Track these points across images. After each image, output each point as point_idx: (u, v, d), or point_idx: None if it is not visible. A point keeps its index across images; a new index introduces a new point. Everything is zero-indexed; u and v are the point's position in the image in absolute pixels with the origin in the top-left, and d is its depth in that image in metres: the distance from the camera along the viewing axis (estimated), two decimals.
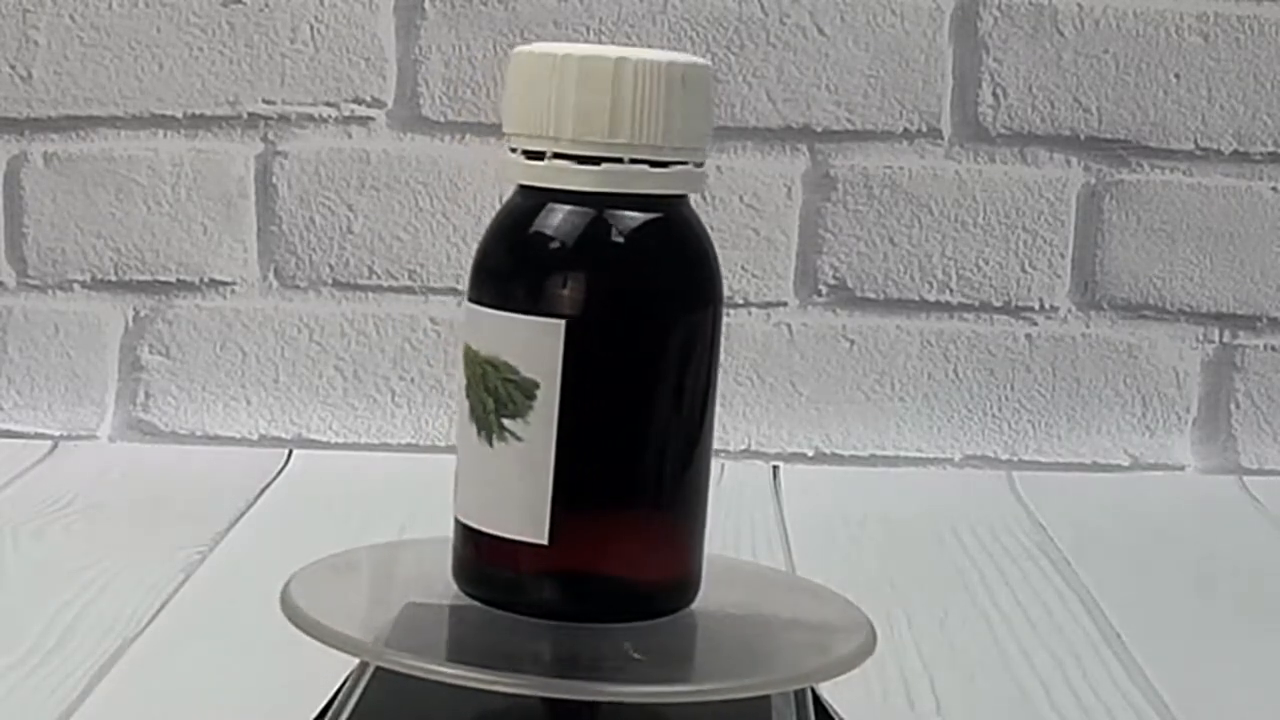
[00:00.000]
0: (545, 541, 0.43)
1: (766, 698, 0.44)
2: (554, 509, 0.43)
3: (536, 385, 0.43)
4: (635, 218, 0.43)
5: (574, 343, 0.43)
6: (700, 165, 0.44)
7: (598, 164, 0.43)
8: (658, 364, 0.43)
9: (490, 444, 0.44)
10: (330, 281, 0.91)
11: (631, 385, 0.43)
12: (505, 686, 0.40)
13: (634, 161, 0.43)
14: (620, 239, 0.43)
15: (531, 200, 0.44)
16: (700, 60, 0.44)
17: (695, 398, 0.44)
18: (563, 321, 0.42)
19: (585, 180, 0.43)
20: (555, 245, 0.43)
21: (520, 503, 0.43)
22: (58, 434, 0.91)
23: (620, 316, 0.43)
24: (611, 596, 0.44)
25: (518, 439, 0.43)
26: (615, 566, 0.44)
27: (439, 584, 0.46)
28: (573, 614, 0.43)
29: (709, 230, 0.45)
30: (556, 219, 0.43)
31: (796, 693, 0.45)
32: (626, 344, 0.43)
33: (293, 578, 0.46)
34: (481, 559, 0.45)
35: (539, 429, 0.43)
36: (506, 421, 0.43)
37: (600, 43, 0.88)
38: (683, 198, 0.44)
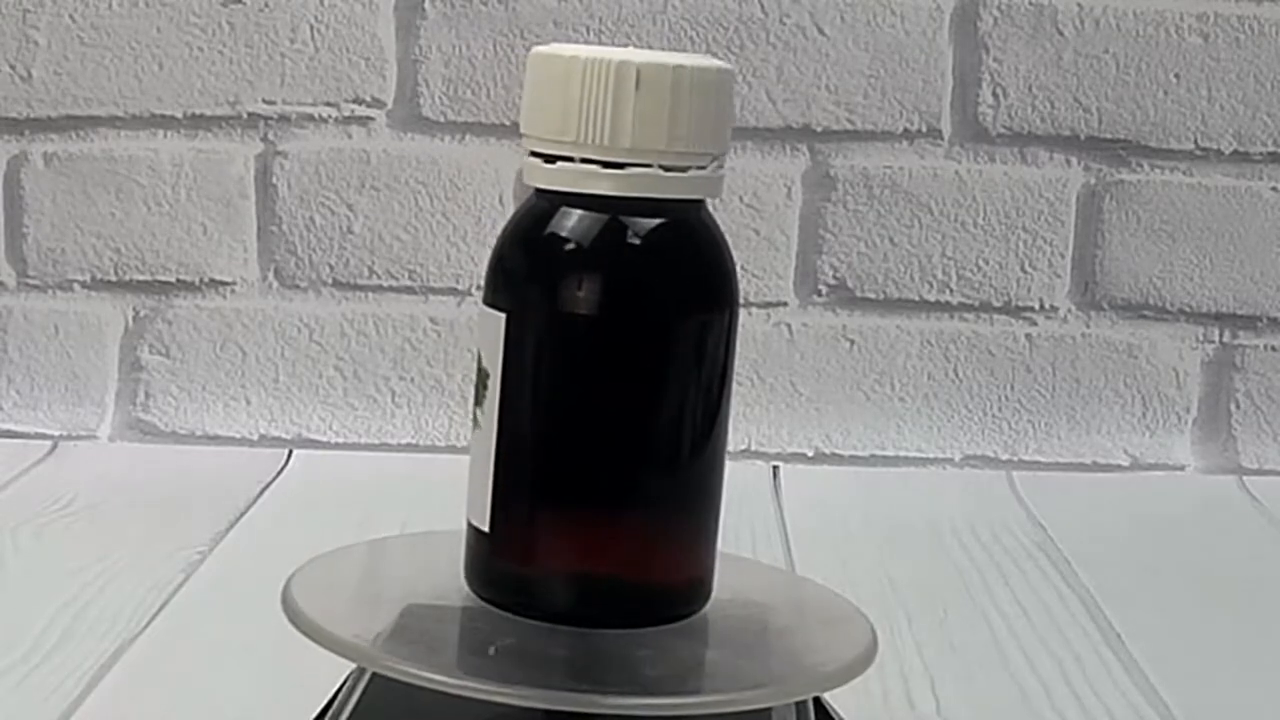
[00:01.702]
0: (486, 528, 0.44)
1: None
2: (494, 497, 0.43)
3: (489, 375, 0.43)
4: (598, 219, 0.43)
5: (512, 335, 0.43)
6: (686, 170, 0.43)
7: (553, 162, 0.43)
8: (594, 361, 0.43)
9: (473, 430, 0.44)
10: (330, 281, 0.91)
11: (570, 381, 0.43)
12: (498, 696, 0.39)
13: (585, 161, 0.42)
14: (577, 239, 0.43)
15: (531, 200, 0.44)
16: (700, 63, 0.43)
17: (667, 401, 0.43)
18: (504, 315, 0.43)
19: (547, 178, 0.43)
20: (508, 240, 0.44)
21: (476, 488, 0.44)
22: (58, 434, 0.91)
23: (548, 310, 0.43)
24: (593, 598, 0.43)
25: (479, 426, 0.44)
26: (574, 564, 0.43)
27: (443, 581, 0.46)
28: (551, 614, 0.43)
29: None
30: (534, 215, 0.43)
31: None
32: (559, 338, 0.43)
33: (295, 575, 0.46)
34: (470, 550, 0.45)
35: (490, 416, 0.43)
36: (477, 409, 0.44)
37: (600, 43, 0.88)
38: (694, 203, 0.44)
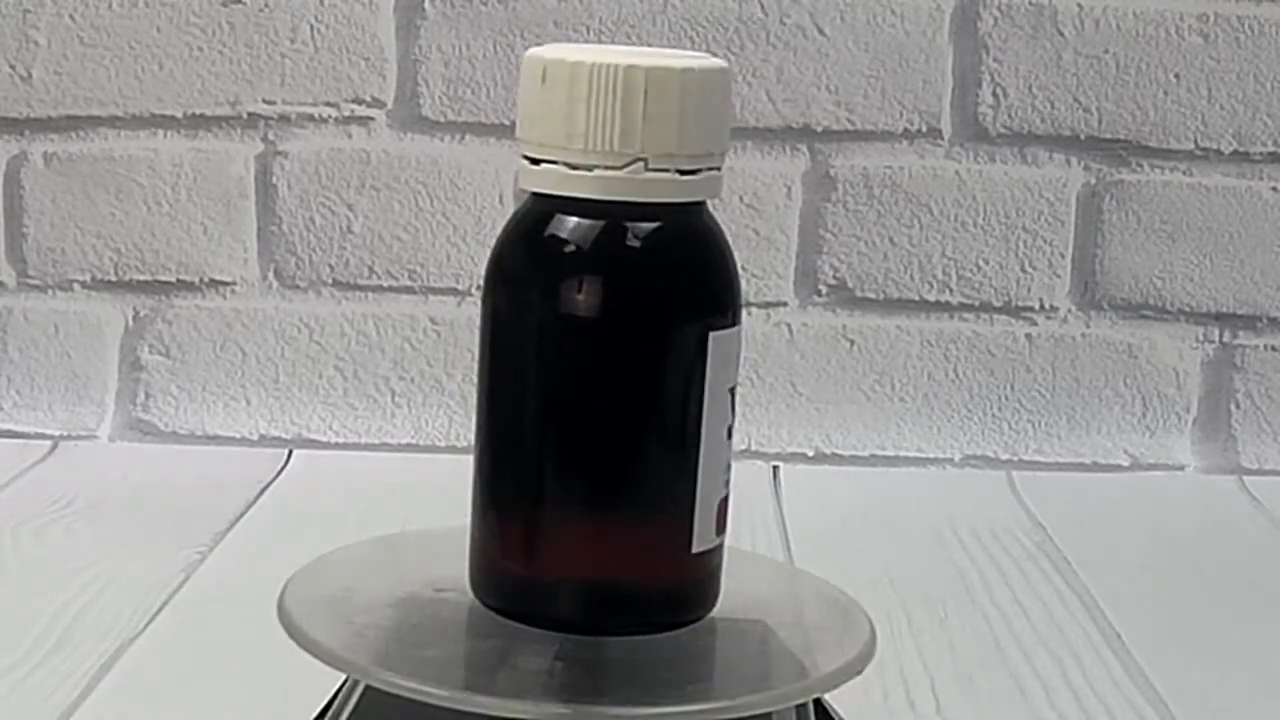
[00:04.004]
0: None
1: None
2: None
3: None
4: (594, 223, 0.42)
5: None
6: (679, 172, 0.42)
7: (541, 165, 0.43)
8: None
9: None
10: (330, 281, 0.91)
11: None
12: (495, 710, 0.39)
13: (573, 165, 0.42)
14: (536, 237, 0.43)
15: (526, 204, 0.44)
16: (694, 64, 0.43)
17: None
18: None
19: (538, 181, 0.43)
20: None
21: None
22: (58, 434, 0.91)
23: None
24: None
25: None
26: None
27: (444, 585, 0.45)
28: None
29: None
30: (531, 218, 0.43)
31: None
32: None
33: (290, 581, 0.45)
34: (471, 554, 0.45)
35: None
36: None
37: (600, 43, 0.88)
38: (694, 204, 0.43)
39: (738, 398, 0.46)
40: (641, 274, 0.43)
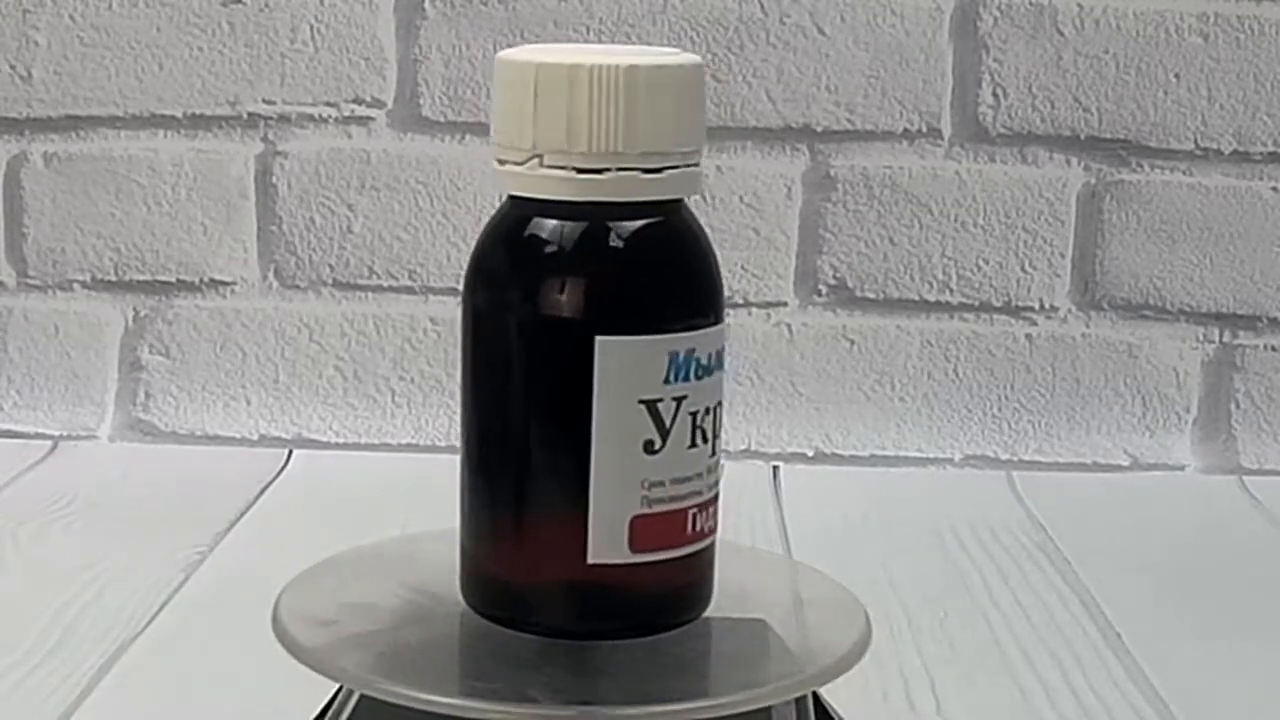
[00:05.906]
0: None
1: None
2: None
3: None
4: (575, 225, 0.42)
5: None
6: (656, 171, 0.42)
7: (512, 165, 0.42)
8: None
9: None
10: (330, 281, 0.91)
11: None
12: (492, 715, 0.39)
13: (546, 165, 0.42)
14: (528, 241, 0.43)
15: (505, 206, 0.44)
16: (655, 60, 0.42)
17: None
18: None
19: (514, 184, 0.42)
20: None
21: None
22: (58, 434, 0.91)
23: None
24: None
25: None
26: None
27: (439, 591, 0.45)
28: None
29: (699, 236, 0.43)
30: (509, 221, 0.43)
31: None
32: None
33: (284, 591, 0.45)
34: (460, 562, 0.45)
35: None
36: None
37: (600, 43, 0.88)
38: (671, 203, 0.43)
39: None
40: (624, 274, 0.42)
